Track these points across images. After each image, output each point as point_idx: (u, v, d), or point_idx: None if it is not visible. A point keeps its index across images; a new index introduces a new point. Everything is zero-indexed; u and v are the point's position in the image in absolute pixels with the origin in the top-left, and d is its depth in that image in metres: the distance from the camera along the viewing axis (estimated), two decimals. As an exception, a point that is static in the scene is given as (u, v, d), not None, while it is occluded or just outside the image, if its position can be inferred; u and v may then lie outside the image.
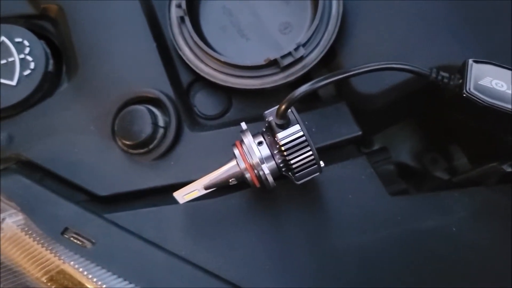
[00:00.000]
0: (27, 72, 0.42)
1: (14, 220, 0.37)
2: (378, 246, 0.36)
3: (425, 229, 0.36)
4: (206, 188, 0.35)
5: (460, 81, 0.34)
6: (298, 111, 0.33)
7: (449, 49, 0.39)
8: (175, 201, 0.35)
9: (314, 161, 0.33)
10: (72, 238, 0.36)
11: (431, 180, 0.49)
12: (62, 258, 0.35)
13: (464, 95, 0.33)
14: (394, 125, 0.50)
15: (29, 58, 0.42)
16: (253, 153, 0.33)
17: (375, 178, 0.38)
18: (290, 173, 0.34)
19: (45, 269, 0.36)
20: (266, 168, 0.33)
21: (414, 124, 0.51)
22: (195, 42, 0.40)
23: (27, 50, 0.42)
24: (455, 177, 0.42)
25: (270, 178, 0.33)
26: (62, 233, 0.36)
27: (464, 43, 0.39)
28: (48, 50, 0.44)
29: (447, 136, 0.48)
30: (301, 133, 0.32)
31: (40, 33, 0.45)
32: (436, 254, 0.36)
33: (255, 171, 0.33)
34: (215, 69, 0.41)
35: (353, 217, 0.37)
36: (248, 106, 0.43)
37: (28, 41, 0.42)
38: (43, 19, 0.46)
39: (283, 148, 0.32)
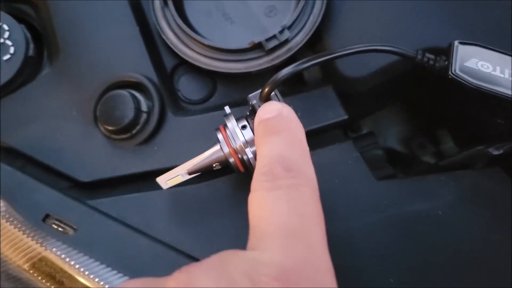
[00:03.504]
0: (6, 57, 0.41)
1: (-6, 207, 0.36)
2: (364, 231, 0.36)
3: (411, 213, 0.36)
4: (189, 173, 0.34)
5: (446, 62, 0.33)
6: (284, 95, 0.33)
7: (435, 30, 0.38)
8: (158, 187, 0.35)
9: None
10: (53, 225, 0.36)
11: (419, 164, 0.49)
12: (44, 245, 0.35)
13: (450, 76, 0.33)
14: (381, 109, 0.49)
15: (8, 42, 0.41)
16: (237, 137, 0.32)
17: (362, 162, 0.37)
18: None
19: (27, 257, 0.35)
20: (250, 152, 0.32)
21: (402, 109, 0.51)
22: (179, 26, 0.40)
23: (6, 34, 0.41)
24: (442, 161, 0.42)
25: (254, 162, 0.32)
26: (44, 220, 0.36)
27: (450, 24, 0.38)
28: (29, 34, 0.43)
29: (434, 120, 0.48)
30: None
31: (20, 17, 0.44)
32: (422, 238, 0.35)
33: (239, 156, 0.33)
34: (199, 53, 0.40)
35: (339, 202, 0.37)
36: (233, 90, 0.42)
37: (7, 25, 0.42)
38: (23, 2, 0.45)
39: (266, 132, 0.31)
